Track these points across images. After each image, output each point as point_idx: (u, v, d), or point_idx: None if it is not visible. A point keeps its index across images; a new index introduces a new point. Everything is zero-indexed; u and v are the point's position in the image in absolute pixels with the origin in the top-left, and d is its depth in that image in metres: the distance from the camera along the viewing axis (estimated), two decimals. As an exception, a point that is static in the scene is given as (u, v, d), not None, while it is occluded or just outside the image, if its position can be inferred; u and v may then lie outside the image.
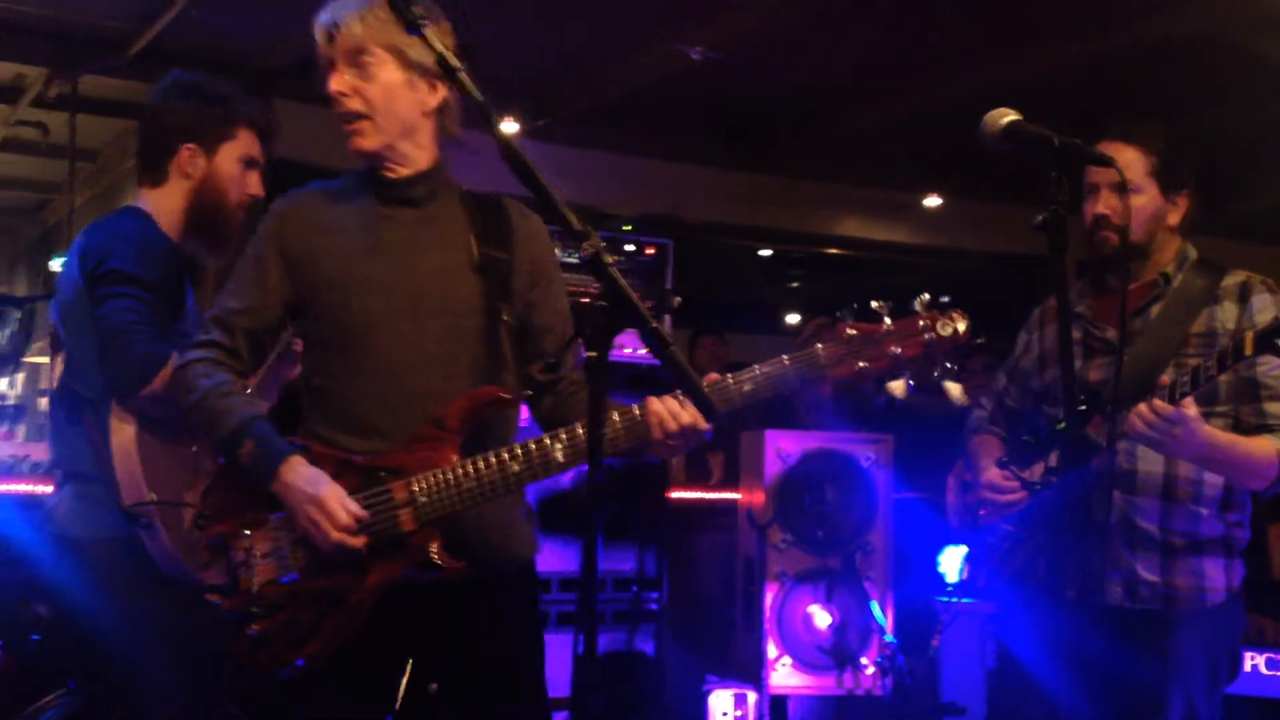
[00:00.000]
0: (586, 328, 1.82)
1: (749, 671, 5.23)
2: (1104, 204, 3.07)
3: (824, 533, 5.22)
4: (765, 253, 11.07)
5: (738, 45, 6.75)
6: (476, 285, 2.50)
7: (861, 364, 2.38)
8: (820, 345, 2.36)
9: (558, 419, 2.55)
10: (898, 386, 7.02)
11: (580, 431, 2.36)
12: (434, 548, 2.40)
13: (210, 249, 3.12)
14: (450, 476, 2.38)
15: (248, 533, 2.43)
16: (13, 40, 7.08)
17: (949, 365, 2.37)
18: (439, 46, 1.96)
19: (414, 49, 2.40)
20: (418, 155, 2.54)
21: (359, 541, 2.36)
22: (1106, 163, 2.53)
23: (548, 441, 2.37)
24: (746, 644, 5.34)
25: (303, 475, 2.37)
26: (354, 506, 2.36)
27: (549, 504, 4.66)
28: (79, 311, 2.87)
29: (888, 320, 2.39)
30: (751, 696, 5.09)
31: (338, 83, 2.49)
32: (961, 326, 2.40)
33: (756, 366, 2.39)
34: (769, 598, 5.19)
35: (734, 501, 5.59)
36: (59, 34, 7.04)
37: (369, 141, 2.49)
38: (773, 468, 5.26)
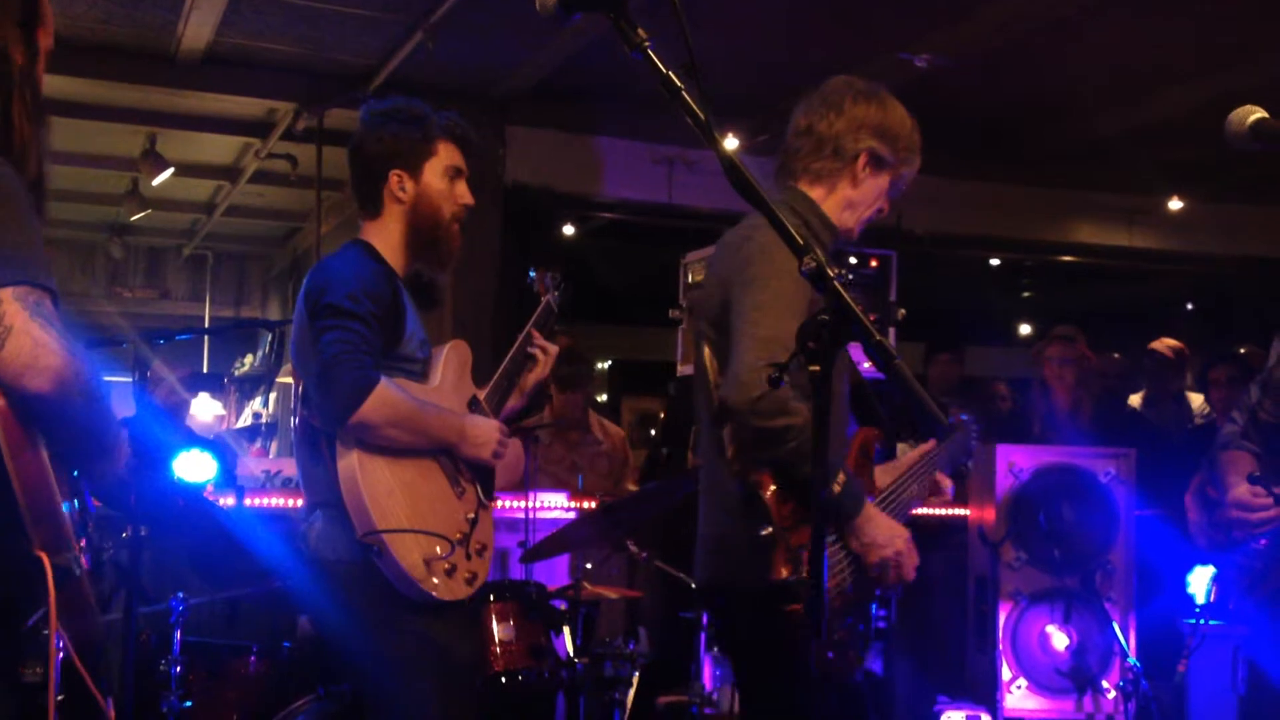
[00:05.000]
0: (809, 342, 1.82)
1: (982, 693, 5.10)
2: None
3: (1060, 551, 5.05)
4: (994, 262, 10.79)
5: (966, 53, 6.62)
6: None
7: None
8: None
9: None
10: (1135, 400, 6.75)
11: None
12: None
13: (435, 266, 3.19)
14: (895, 496, 2.89)
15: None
16: (264, 78, 7.56)
17: None
18: (663, 68, 2.00)
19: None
20: None
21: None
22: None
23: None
24: (979, 664, 5.21)
25: (882, 514, 2.75)
26: None
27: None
28: (306, 346, 2.99)
29: None
30: (985, 718, 4.96)
31: None
32: None
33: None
34: (1003, 617, 5.05)
35: (964, 518, 5.46)
36: (306, 71, 7.47)
37: None
38: (1004, 483, 5.12)
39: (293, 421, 3.25)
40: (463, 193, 3.16)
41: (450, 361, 3.17)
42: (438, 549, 2.90)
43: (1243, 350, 6.60)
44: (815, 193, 2.88)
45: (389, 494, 2.87)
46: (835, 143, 2.84)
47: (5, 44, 2.16)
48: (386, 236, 3.13)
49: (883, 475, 2.95)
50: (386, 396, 2.83)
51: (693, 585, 4.32)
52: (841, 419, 2.89)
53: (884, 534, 2.68)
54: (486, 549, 3.08)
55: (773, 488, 2.60)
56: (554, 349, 3.35)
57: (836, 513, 2.66)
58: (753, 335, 2.61)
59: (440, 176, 3.12)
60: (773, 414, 2.54)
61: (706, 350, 2.84)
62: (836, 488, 2.62)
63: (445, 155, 3.13)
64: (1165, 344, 6.72)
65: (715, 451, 2.80)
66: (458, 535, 2.96)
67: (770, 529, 2.56)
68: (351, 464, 2.85)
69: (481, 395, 3.22)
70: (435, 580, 2.88)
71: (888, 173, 2.89)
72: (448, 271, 3.23)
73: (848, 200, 2.88)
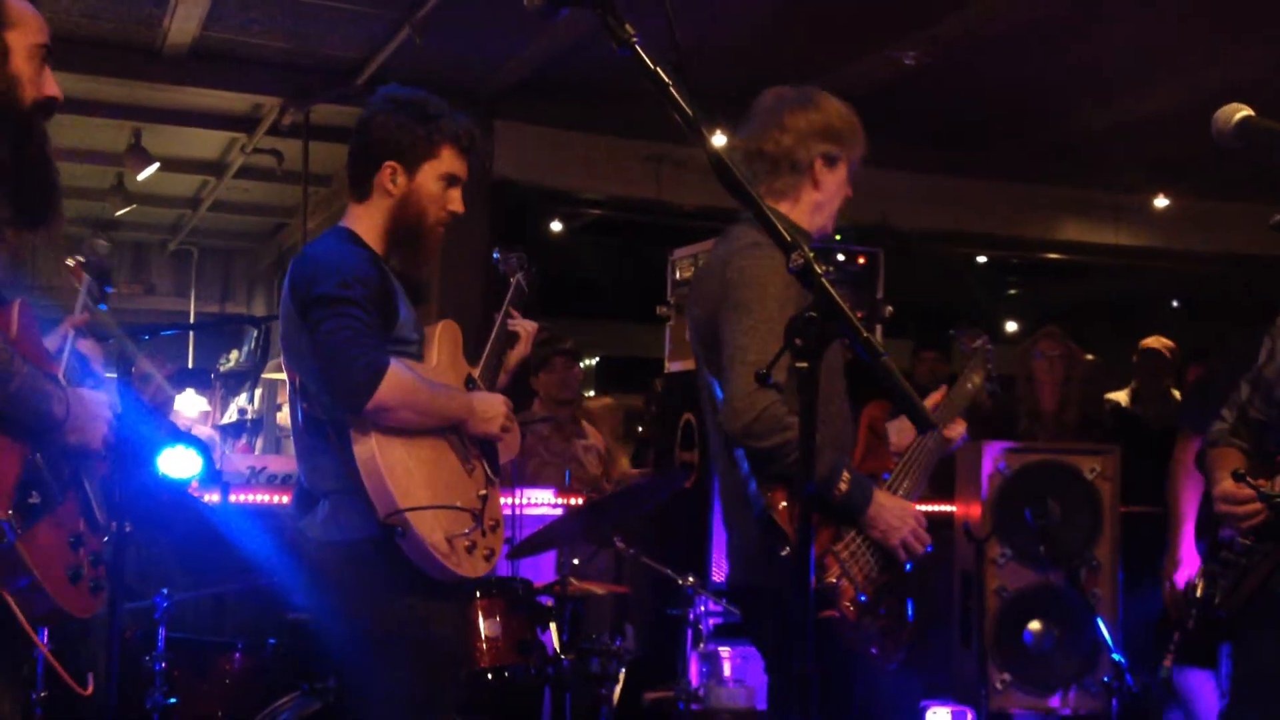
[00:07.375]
0: (797, 339, 1.82)
1: (967, 690, 5.10)
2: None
3: (1046, 547, 5.05)
4: (981, 260, 10.81)
5: (952, 51, 6.63)
6: None
7: None
8: None
9: None
10: (1122, 396, 6.77)
11: None
12: None
13: (409, 264, 3.15)
14: (908, 467, 3.04)
15: (837, 547, 2.82)
16: (249, 73, 7.53)
17: None
18: (651, 64, 1.99)
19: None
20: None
21: None
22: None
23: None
24: (964, 661, 5.21)
25: (889, 497, 2.90)
26: None
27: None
28: (298, 338, 2.96)
29: None
30: (970, 716, 4.97)
31: None
32: None
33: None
34: (988, 614, 5.06)
35: (949, 514, 5.47)
36: (292, 66, 7.44)
37: None
38: (990, 480, 5.12)
39: (277, 416, 3.24)
40: (454, 200, 3.11)
41: (444, 341, 3.17)
42: (459, 526, 2.90)
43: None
44: (783, 206, 3.04)
45: (408, 474, 2.87)
46: (789, 158, 3.01)
47: None
48: (369, 224, 3.09)
49: (898, 435, 3.11)
50: (399, 378, 2.82)
51: (679, 581, 4.34)
52: (840, 418, 2.99)
53: (896, 517, 2.85)
54: (499, 525, 3.10)
55: (783, 504, 2.73)
56: (533, 325, 3.35)
57: (848, 511, 2.81)
58: (742, 361, 2.75)
59: (435, 180, 3.07)
60: (768, 434, 2.71)
61: (705, 370, 3.00)
62: (844, 486, 2.78)
63: (446, 161, 3.08)
64: (1156, 341, 6.75)
65: (728, 463, 2.94)
66: (475, 510, 2.97)
67: (789, 549, 2.68)
68: (370, 448, 2.83)
69: (476, 373, 3.22)
70: (458, 557, 2.88)
71: (842, 164, 3.06)
72: (420, 271, 3.18)
73: (815, 204, 3.07)
